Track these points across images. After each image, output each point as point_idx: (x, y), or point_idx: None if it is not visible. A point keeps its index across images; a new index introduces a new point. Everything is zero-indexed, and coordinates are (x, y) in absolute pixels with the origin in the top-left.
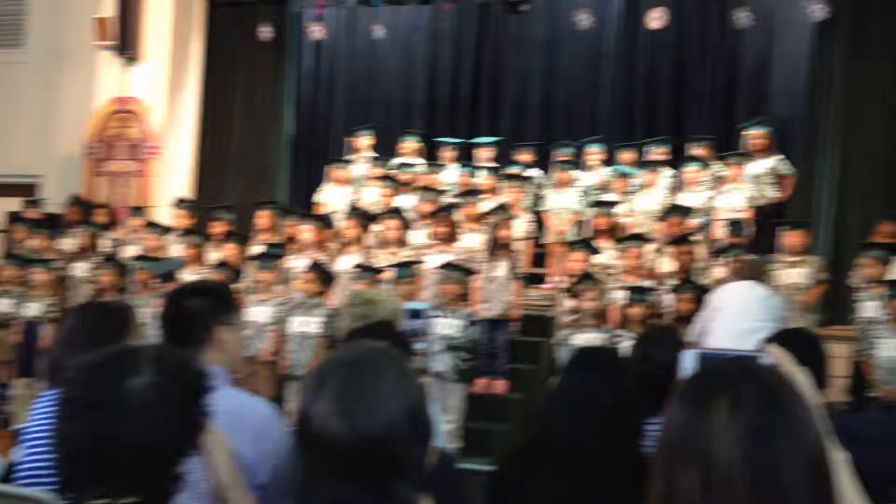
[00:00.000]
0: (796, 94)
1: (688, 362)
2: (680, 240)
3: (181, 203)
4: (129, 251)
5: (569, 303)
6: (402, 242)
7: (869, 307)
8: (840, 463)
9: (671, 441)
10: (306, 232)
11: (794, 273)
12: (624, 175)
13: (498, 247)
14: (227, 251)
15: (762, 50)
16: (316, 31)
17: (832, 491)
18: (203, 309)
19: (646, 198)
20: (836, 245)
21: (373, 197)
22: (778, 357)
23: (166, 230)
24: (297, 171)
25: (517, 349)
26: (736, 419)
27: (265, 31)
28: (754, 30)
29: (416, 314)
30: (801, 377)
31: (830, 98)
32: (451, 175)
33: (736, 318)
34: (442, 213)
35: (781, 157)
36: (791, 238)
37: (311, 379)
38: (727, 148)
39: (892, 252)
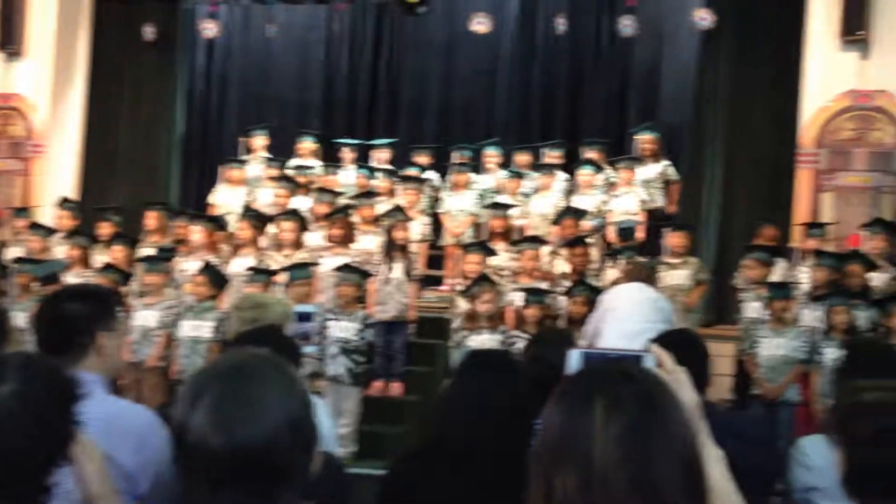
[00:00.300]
0: (684, 101)
1: (573, 362)
2: (574, 242)
3: (66, 203)
4: (11, 253)
5: (465, 305)
6: (297, 244)
7: (752, 307)
8: (716, 460)
9: (551, 441)
10: (197, 233)
11: (677, 274)
12: (516, 176)
13: (394, 249)
14: (115, 253)
15: (652, 57)
16: (208, 29)
17: (705, 488)
18: (83, 314)
19: (541, 200)
20: (720, 247)
21: (268, 198)
22: (659, 357)
23: (51, 231)
24: (189, 171)
25: (413, 351)
26: (614, 420)
27: (149, 31)
28: (644, 37)
29: (305, 317)
30: (681, 376)
31: (716, 105)
32: (348, 176)
33: (626, 319)
34: (338, 215)
35: (669, 162)
36: (673, 239)
37: (188, 388)
38: (621, 152)
39: (775, 254)
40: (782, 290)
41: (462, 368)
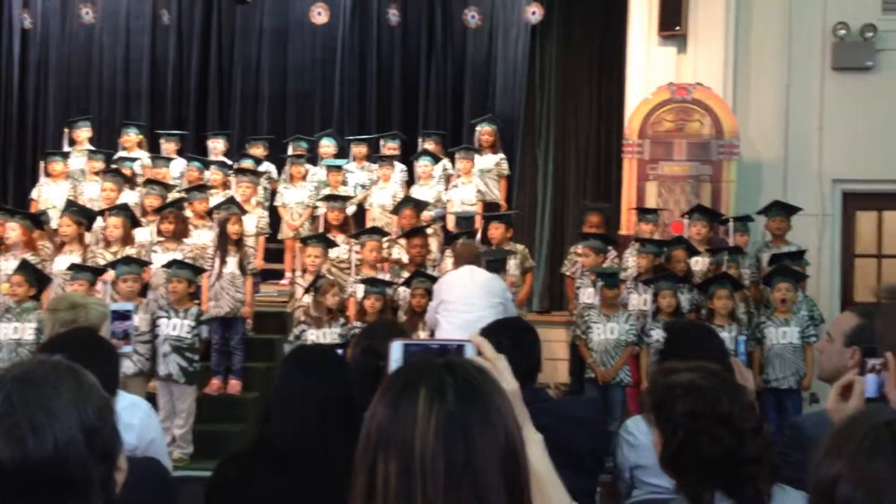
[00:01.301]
0: (516, 93)
1: (394, 354)
2: (413, 232)
3: None
4: None
5: (306, 298)
6: (126, 240)
7: (587, 293)
8: (536, 444)
9: (375, 432)
10: (14, 230)
11: (509, 265)
12: (336, 169)
13: (228, 242)
14: None
15: (485, 50)
16: (25, 17)
17: (526, 474)
18: None
19: (380, 192)
20: (554, 236)
21: (94, 192)
22: (479, 345)
23: None
24: (6, 164)
25: (252, 347)
26: (436, 411)
27: None
28: (478, 30)
29: (123, 316)
30: (500, 364)
31: (546, 97)
32: (177, 169)
33: (461, 309)
34: (170, 209)
35: (503, 156)
36: (492, 231)
37: None
38: (458, 144)
39: (608, 242)
40: (612, 277)
41: (287, 365)
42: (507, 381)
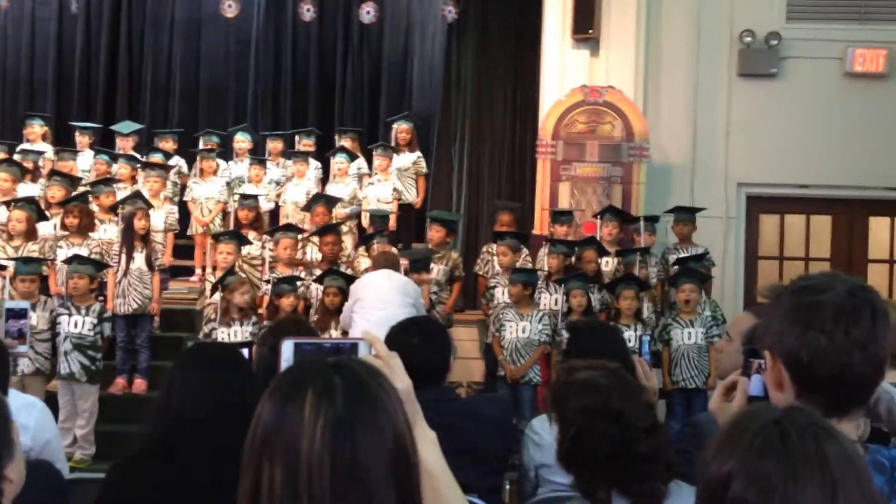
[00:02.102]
0: (433, 91)
1: (285, 353)
2: (325, 230)
3: None
4: None
5: (216, 295)
6: (30, 235)
7: (502, 292)
8: (428, 442)
9: (260, 435)
10: None
11: (435, 269)
12: (259, 163)
13: (134, 238)
14: None
15: (401, 47)
16: None
17: (417, 474)
18: None
19: (295, 189)
20: (468, 234)
21: None
22: (373, 343)
23: None
24: None
25: (159, 346)
26: (323, 412)
27: None
28: (393, 27)
29: (18, 314)
30: (393, 362)
31: (462, 96)
32: (86, 162)
33: (375, 307)
34: (75, 203)
35: (420, 155)
36: (432, 233)
37: None
38: (374, 141)
39: (524, 241)
40: (522, 276)
41: (185, 362)
42: (400, 378)
